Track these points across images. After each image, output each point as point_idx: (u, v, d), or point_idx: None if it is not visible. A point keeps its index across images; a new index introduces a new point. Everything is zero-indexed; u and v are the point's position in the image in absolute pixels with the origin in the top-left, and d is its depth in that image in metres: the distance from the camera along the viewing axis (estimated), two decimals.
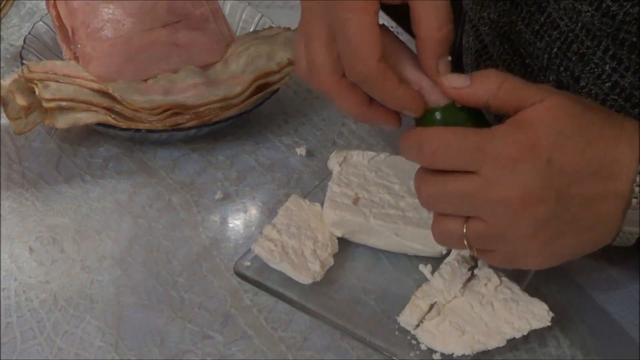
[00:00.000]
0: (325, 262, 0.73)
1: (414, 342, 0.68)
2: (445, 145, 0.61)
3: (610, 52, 0.72)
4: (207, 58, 0.92)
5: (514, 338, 0.67)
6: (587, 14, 0.71)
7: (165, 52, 0.91)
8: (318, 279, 0.72)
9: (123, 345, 0.69)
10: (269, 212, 0.80)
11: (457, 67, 0.66)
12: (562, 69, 0.76)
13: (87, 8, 0.90)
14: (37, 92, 0.80)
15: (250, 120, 0.89)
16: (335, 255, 0.74)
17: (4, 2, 0.96)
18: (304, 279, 0.71)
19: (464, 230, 0.62)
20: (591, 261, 0.75)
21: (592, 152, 0.60)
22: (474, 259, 0.71)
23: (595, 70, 0.74)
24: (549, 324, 0.68)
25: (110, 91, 0.82)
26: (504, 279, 0.70)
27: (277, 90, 0.88)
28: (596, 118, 0.62)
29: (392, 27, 0.99)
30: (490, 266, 0.70)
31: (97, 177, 0.83)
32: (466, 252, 0.71)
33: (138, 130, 0.83)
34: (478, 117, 0.64)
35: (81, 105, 0.81)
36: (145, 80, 0.88)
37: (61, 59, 0.91)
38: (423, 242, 0.73)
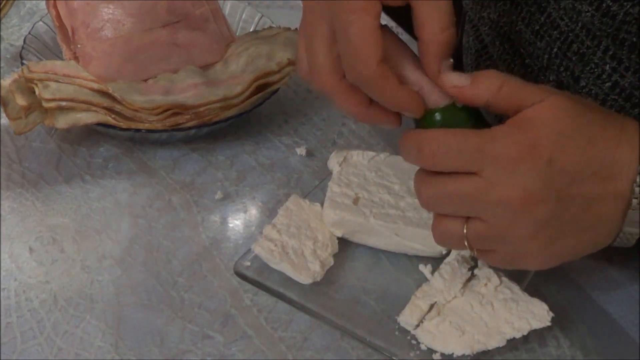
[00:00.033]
0: (325, 262, 0.73)
1: (414, 342, 0.68)
2: (445, 147, 0.61)
3: (611, 52, 0.72)
4: (207, 58, 0.92)
5: (514, 338, 0.67)
6: (587, 14, 0.71)
7: (165, 52, 0.91)
8: (318, 279, 0.72)
9: (123, 345, 0.69)
10: (269, 212, 0.80)
11: (457, 67, 0.66)
12: (562, 69, 0.76)
13: (87, 8, 0.90)
14: (37, 92, 0.80)
15: (250, 120, 0.89)
16: (335, 255, 0.74)
17: (4, 2, 0.96)
18: (304, 279, 0.71)
19: (464, 231, 0.62)
20: (591, 261, 0.75)
21: (593, 153, 0.60)
22: (474, 259, 0.71)
23: (595, 70, 0.74)
24: (549, 324, 0.68)
25: (110, 91, 0.82)
26: (504, 279, 0.70)
27: (277, 90, 0.88)
28: (596, 118, 0.62)
29: (392, 27, 0.99)
30: (490, 266, 0.70)
31: (97, 177, 0.83)
32: (466, 252, 0.71)
33: (138, 130, 0.83)
34: (478, 117, 0.64)
35: (81, 105, 0.81)
36: (145, 80, 0.88)
37: (61, 59, 0.91)
38: (423, 242, 0.73)
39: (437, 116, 0.63)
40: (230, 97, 0.85)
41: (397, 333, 0.69)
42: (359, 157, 0.79)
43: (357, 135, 0.89)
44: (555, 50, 0.76)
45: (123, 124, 0.82)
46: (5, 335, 0.69)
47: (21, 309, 0.71)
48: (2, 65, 0.94)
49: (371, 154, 0.79)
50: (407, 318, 0.69)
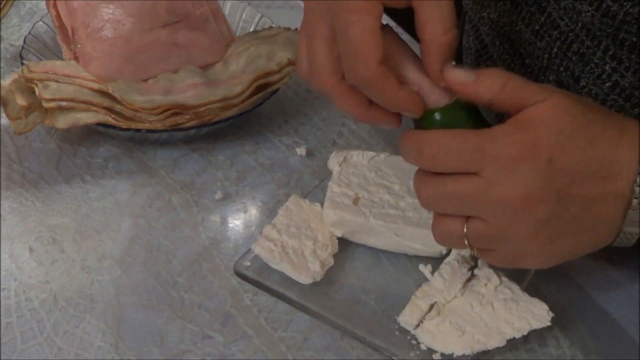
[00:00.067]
0: (325, 262, 0.73)
1: (414, 342, 0.68)
2: (445, 148, 0.61)
3: (611, 52, 0.72)
4: (207, 58, 0.92)
5: (514, 338, 0.67)
6: (587, 14, 0.71)
7: (165, 52, 0.91)
8: (318, 279, 0.72)
9: (123, 345, 0.69)
10: (269, 212, 0.80)
11: None
12: (562, 69, 0.76)
13: (87, 8, 0.90)
14: (37, 92, 0.80)
15: (250, 120, 0.89)
16: (335, 255, 0.74)
17: (4, 2, 0.96)
18: (304, 279, 0.71)
19: (465, 230, 0.62)
20: (591, 261, 0.75)
21: (593, 152, 0.60)
22: (474, 259, 0.71)
23: (596, 70, 0.74)
24: (549, 324, 0.68)
25: (110, 91, 0.82)
26: (504, 279, 0.70)
27: (277, 90, 0.88)
28: (597, 118, 0.62)
29: (392, 27, 0.99)
30: (490, 266, 0.70)
31: (97, 177, 0.83)
32: (466, 252, 0.71)
33: (138, 130, 0.83)
34: (477, 117, 0.64)
35: (81, 105, 0.81)
36: (145, 80, 0.88)
37: (61, 59, 0.91)
38: (423, 242, 0.73)
39: (437, 116, 0.63)
40: (230, 97, 0.85)
41: (397, 333, 0.69)
42: (359, 157, 0.79)
43: (357, 135, 0.89)
44: (555, 50, 0.76)
45: (123, 124, 0.82)
46: (5, 335, 0.69)
47: (21, 309, 0.71)
48: (2, 65, 0.94)
49: (371, 154, 0.79)
50: (407, 318, 0.69)
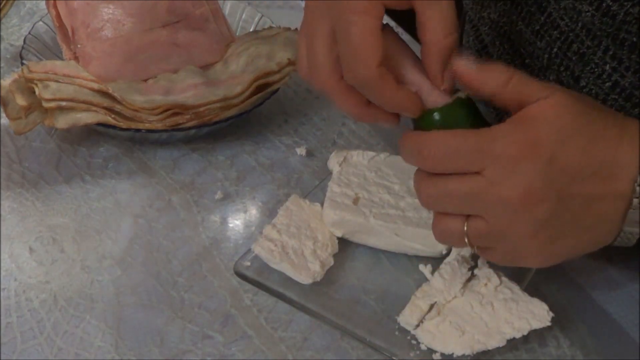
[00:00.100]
0: (325, 262, 0.73)
1: (414, 342, 0.68)
2: (445, 149, 0.61)
3: (611, 52, 0.72)
4: (207, 58, 0.92)
5: (514, 338, 0.67)
6: (588, 13, 0.71)
7: (165, 52, 0.91)
8: (318, 279, 0.72)
9: (123, 345, 0.69)
10: (269, 212, 0.80)
11: None
12: (562, 68, 0.76)
13: (87, 8, 0.90)
14: (37, 92, 0.80)
15: (250, 120, 0.89)
16: (335, 255, 0.74)
17: (4, 2, 0.96)
18: (304, 279, 0.71)
19: (465, 229, 0.62)
20: (591, 261, 0.75)
21: (593, 152, 0.60)
22: (474, 259, 0.71)
23: (596, 70, 0.74)
24: (549, 324, 0.68)
25: (110, 91, 0.82)
26: (504, 279, 0.70)
27: (277, 90, 0.88)
28: (598, 117, 0.62)
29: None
30: (490, 266, 0.70)
31: (97, 177, 0.83)
32: (466, 252, 0.71)
33: (138, 130, 0.83)
34: (477, 116, 0.64)
35: (81, 105, 0.81)
36: (145, 80, 0.88)
37: (61, 59, 0.91)
38: (423, 242, 0.73)
39: (436, 116, 0.63)
40: (230, 97, 0.85)
41: (397, 333, 0.69)
42: (359, 157, 0.79)
43: (357, 135, 0.89)
44: (555, 50, 0.76)
45: (123, 124, 0.82)
46: (5, 335, 0.69)
47: (21, 309, 0.71)
48: (2, 65, 0.94)
49: (371, 154, 0.79)
50: (407, 318, 0.69)
